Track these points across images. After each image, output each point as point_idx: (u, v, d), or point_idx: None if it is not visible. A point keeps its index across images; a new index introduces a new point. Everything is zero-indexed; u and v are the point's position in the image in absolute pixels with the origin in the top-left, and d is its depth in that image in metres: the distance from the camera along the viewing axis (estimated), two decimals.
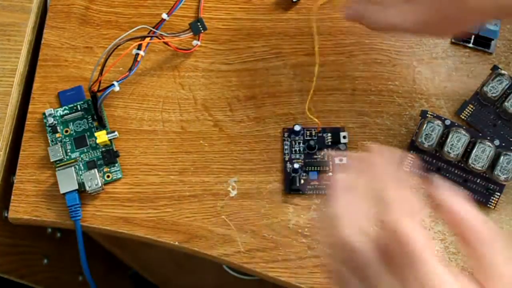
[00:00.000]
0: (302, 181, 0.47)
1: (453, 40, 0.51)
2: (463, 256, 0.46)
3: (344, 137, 0.47)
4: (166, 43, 0.49)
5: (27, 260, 0.57)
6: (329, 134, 0.48)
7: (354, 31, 0.51)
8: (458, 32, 0.43)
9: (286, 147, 0.48)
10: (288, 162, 0.47)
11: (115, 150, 0.47)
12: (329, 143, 0.48)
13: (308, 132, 0.48)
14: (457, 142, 0.45)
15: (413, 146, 0.47)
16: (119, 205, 0.46)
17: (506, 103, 0.47)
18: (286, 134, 0.48)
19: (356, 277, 0.30)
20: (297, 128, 0.47)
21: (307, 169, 0.47)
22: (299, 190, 0.46)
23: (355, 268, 0.30)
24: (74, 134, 0.47)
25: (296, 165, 0.46)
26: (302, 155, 0.47)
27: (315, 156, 0.47)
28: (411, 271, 0.28)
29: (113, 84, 0.45)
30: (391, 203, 0.29)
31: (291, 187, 0.46)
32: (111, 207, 0.46)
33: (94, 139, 0.47)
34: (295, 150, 0.47)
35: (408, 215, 0.29)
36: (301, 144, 0.48)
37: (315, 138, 0.48)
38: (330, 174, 0.47)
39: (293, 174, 0.47)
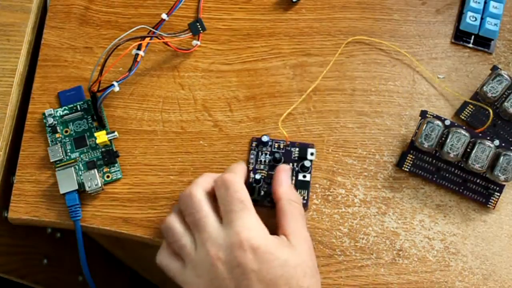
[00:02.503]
0: (262, 193, 0.46)
1: (453, 40, 0.52)
2: (463, 256, 0.46)
3: (311, 153, 0.47)
4: (166, 43, 0.49)
5: (27, 260, 0.57)
6: (297, 149, 0.47)
7: (354, 31, 0.51)
8: None
9: (252, 156, 0.47)
10: (251, 172, 0.46)
11: (115, 150, 0.47)
12: (296, 158, 0.47)
13: (276, 144, 0.47)
14: (457, 142, 0.45)
15: (413, 146, 0.47)
16: (118, 205, 0.46)
17: (506, 103, 0.47)
18: (254, 144, 0.47)
19: (183, 225, 0.41)
20: (265, 139, 0.46)
21: (269, 182, 0.46)
22: (256, 201, 0.45)
23: (187, 214, 0.41)
24: (74, 134, 0.47)
25: (257, 176, 0.45)
26: (267, 167, 0.47)
27: None
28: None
29: (112, 84, 0.45)
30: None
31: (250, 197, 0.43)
32: (111, 207, 0.46)
33: (94, 139, 0.47)
34: (261, 161, 0.47)
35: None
36: (267, 156, 0.47)
37: (282, 151, 0.47)
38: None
39: (253, 185, 0.45)
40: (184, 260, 0.41)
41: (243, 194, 0.40)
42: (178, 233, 0.41)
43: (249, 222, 0.39)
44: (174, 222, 0.42)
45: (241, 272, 0.38)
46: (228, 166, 0.45)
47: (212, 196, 0.42)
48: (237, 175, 0.42)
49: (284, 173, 0.44)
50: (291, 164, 0.47)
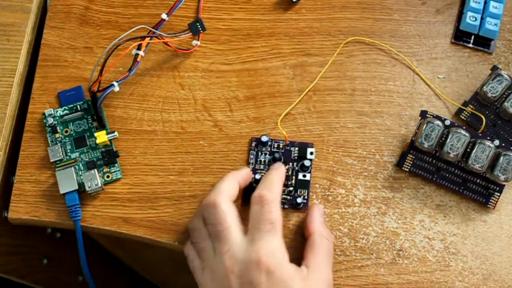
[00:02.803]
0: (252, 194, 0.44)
1: (453, 40, 0.52)
2: (463, 256, 0.46)
3: (311, 153, 0.47)
4: (166, 43, 0.49)
5: (27, 260, 0.57)
6: (297, 149, 0.47)
7: (354, 31, 0.51)
8: None
9: (251, 156, 0.47)
10: (250, 179, 0.46)
11: (115, 150, 0.47)
12: (295, 157, 0.47)
13: (276, 144, 0.47)
14: (457, 142, 0.45)
15: (413, 146, 0.47)
16: (118, 205, 0.46)
17: (505, 103, 0.47)
18: (253, 144, 0.47)
19: (205, 229, 0.42)
20: (264, 138, 0.47)
21: None
22: None
23: (209, 224, 0.41)
24: (74, 134, 0.47)
25: (257, 176, 0.45)
26: (267, 167, 0.47)
27: None
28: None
29: (112, 84, 0.45)
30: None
31: (249, 198, 0.43)
32: (111, 207, 0.46)
33: (94, 139, 0.47)
34: (260, 161, 0.47)
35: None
36: (267, 156, 0.47)
37: (282, 151, 0.47)
38: (292, 188, 0.46)
39: (254, 185, 0.45)
40: (203, 262, 0.41)
41: (276, 216, 0.40)
42: (200, 236, 0.42)
43: (272, 245, 0.39)
44: (198, 224, 0.42)
45: None
46: (268, 174, 0.44)
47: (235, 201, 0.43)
48: (276, 193, 0.42)
49: (317, 210, 0.45)
50: (290, 163, 0.47)
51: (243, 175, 0.44)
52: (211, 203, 0.41)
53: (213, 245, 0.41)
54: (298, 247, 0.45)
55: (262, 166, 0.47)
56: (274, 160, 0.47)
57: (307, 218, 0.44)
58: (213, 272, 0.40)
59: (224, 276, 0.39)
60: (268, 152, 0.47)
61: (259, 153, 0.47)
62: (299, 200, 0.45)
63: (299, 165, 0.47)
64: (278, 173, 0.44)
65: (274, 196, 0.41)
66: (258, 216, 0.40)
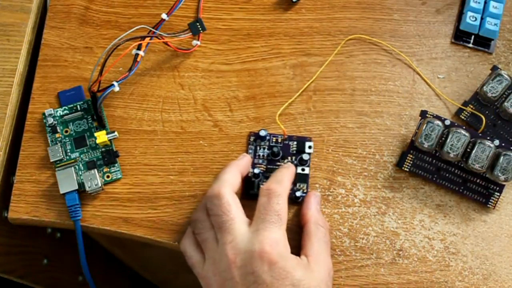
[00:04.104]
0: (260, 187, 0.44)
1: (453, 40, 0.52)
2: (463, 256, 0.46)
3: (309, 147, 0.47)
4: (166, 43, 0.49)
5: (27, 260, 0.57)
6: (295, 143, 0.47)
7: (354, 31, 0.51)
8: None
9: (250, 151, 0.47)
10: (250, 167, 0.46)
11: (115, 150, 0.47)
12: (294, 152, 0.47)
13: (274, 138, 0.48)
14: (457, 142, 0.45)
15: (413, 146, 0.47)
16: (118, 205, 0.46)
17: (505, 103, 0.47)
18: (252, 139, 0.48)
19: (209, 220, 0.42)
20: (262, 133, 0.47)
21: (268, 176, 0.45)
22: (255, 195, 0.43)
23: (213, 215, 0.41)
24: (74, 134, 0.47)
25: (256, 170, 0.46)
26: (266, 161, 0.47)
27: (278, 163, 0.47)
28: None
29: (113, 84, 0.45)
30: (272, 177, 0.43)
31: (249, 191, 0.45)
32: (111, 207, 0.46)
33: (94, 139, 0.47)
34: (259, 155, 0.47)
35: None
36: (266, 150, 0.47)
37: (280, 145, 0.47)
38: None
39: (253, 179, 0.45)
40: (205, 253, 0.41)
41: (282, 208, 0.41)
42: (203, 227, 0.42)
43: (276, 236, 0.40)
44: (202, 215, 0.42)
45: (254, 280, 0.38)
46: (277, 171, 0.44)
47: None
48: (284, 186, 0.42)
49: (313, 197, 0.45)
50: (289, 158, 0.47)
51: (244, 163, 0.45)
52: (216, 194, 0.41)
53: (216, 236, 0.41)
54: (295, 245, 0.45)
55: (261, 161, 0.47)
56: (273, 155, 0.47)
57: (304, 205, 0.45)
58: (215, 263, 0.40)
59: (227, 267, 0.39)
60: (266, 147, 0.47)
61: (258, 148, 0.47)
62: (298, 193, 0.45)
63: (297, 159, 0.47)
64: (288, 170, 0.44)
65: (283, 190, 0.42)
66: (265, 207, 0.41)
